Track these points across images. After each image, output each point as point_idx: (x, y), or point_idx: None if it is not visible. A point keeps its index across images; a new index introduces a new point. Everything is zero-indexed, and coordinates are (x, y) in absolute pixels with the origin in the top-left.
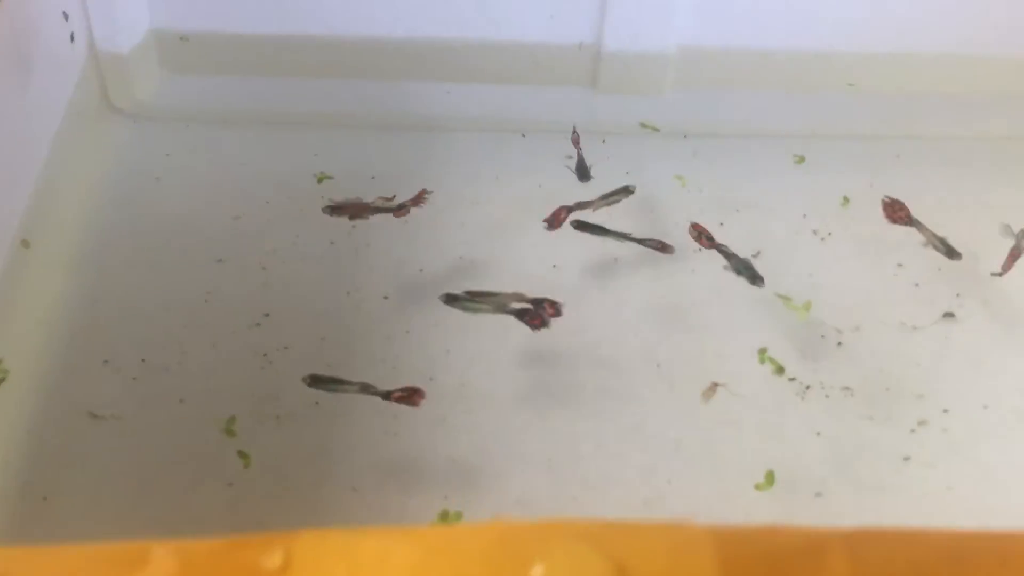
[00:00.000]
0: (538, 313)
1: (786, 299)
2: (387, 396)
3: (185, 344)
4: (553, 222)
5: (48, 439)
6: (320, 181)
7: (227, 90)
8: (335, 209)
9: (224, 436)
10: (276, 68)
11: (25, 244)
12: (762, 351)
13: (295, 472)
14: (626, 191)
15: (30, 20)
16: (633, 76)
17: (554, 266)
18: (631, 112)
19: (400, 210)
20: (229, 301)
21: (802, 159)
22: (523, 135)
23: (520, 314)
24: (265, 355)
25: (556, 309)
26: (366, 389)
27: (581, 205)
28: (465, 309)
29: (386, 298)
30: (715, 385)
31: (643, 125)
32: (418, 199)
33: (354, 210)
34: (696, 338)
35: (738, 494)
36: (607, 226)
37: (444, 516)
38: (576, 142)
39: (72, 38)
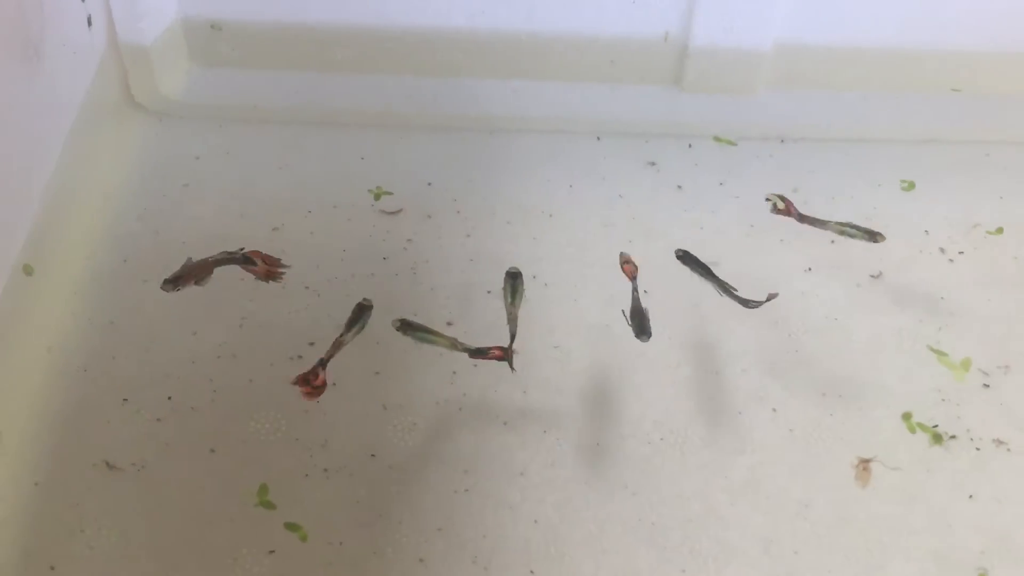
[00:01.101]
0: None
1: (940, 354)
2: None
3: (217, 379)
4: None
5: (56, 494)
6: (377, 198)
7: (263, 85)
8: (176, 281)
9: (263, 494)
10: (319, 61)
11: (28, 270)
12: (906, 415)
13: (349, 537)
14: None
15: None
16: (723, 74)
17: (645, 292)
18: (719, 114)
19: (247, 263)
20: (268, 327)
21: (911, 182)
22: (598, 138)
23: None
24: None
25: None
26: (455, 345)
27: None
28: (417, 339)
29: (449, 324)
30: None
31: (717, 139)
32: (272, 267)
33: (197, 271)
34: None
35: None
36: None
37: None
38: (632, 274)
39: (89, 22)
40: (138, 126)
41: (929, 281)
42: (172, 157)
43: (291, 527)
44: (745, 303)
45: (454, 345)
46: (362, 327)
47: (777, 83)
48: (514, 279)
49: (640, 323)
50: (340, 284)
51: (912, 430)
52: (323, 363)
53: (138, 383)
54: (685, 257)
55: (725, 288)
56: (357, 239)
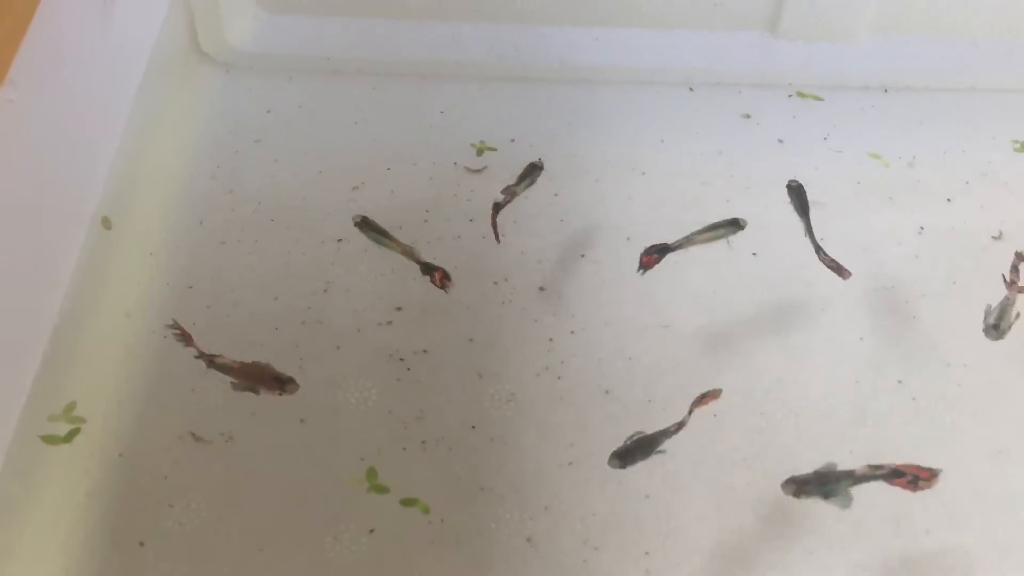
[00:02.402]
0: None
1: None
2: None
3: (302, 346)
4: None
5: (142, 468)
6: (480, 153)
7: (337, 33)
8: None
9: (359, 467)
10: (394, 8)
11: (106, 223)
12: None
13: (452, 514)
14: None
15: None
16: (823, 18)
17: (753, 254)
18: (819, 62)
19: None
20: (353, 291)
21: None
22: (691, 89)
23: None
24: (402, 360)
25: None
26: (409, 253)
27: None
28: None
29: (542, 289)
30: None
31: (800, 94)
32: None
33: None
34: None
35: None
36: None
37: None
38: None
39: None
40: (206, 78)
41: None
42: (243, 111)
43: (405, 502)
44: (825, 257)
45: (408, 253)
46: (531, 183)
47: (880, 27)
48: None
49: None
50: (425, 247)
51: None
52: (498, 208)
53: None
54: (797, 190)
55: (812, 238)
56: (440, 199)
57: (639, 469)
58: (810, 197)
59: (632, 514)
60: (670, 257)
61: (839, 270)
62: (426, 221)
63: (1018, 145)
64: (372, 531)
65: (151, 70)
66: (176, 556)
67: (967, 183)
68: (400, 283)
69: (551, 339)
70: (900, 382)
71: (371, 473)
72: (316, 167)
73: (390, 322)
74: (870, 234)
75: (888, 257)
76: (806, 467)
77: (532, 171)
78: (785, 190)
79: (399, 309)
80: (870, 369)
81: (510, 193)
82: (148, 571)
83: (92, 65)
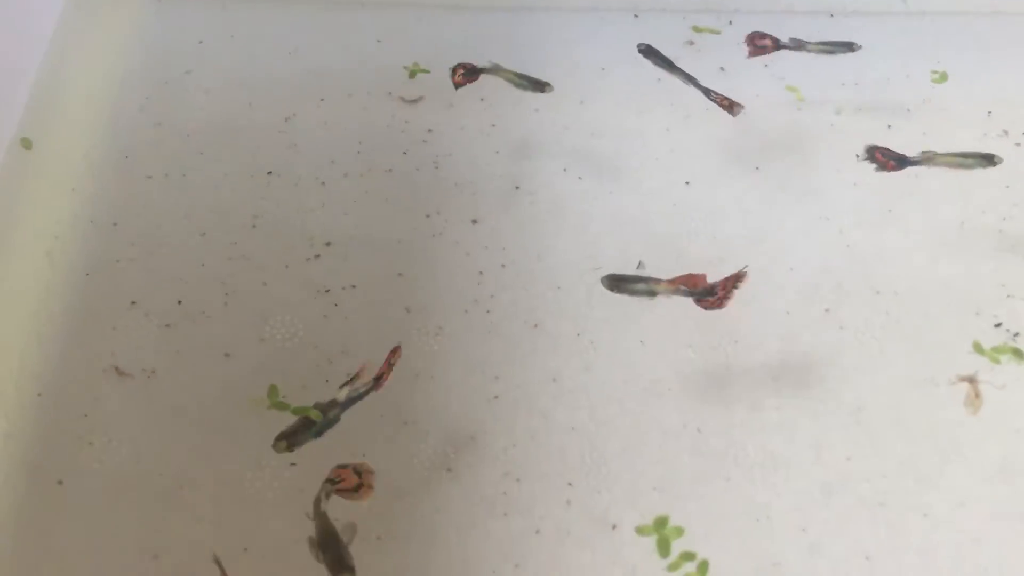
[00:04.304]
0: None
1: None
2: None
3: (229, 282)
4: None
5: (62, 407)
6: (412, 75)
7: None
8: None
9: (274, 395)
10: None
11: (26, 144)
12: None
13: (373, 450)
14: None
15: None
16: None
17: (686, 183)
18: None
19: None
20: (282, 226)
21: None
22: (636, 15)
23: None
24: (328, 292)
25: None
26: None
27: None
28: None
29: (475, 222)
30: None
31: (696, 29)
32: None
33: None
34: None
35: None
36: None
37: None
38: None
39: None
40: (137, 6)
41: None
42: (173, 41)
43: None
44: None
45: None
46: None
47: None
48: None
49: None
50: (356, 179)
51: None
52: None
53: (145, 287)
54: (646, 50)
55: (695, 84)
56: (374, 130)
57: (565, 403)
58: (753, 124)
59: (556, 446)
60: (609, 188)
61: (730, 107)
62: (359, 153)
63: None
64: (293, 464)
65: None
66: (95, 494)
67: (908, 110)
68: (330, 218)
69: (481, 272)
70: (827, 311)
71: (273, 391)
72: (247, 99)
73: (318, 256)
74: (811, 161)
75: (828, 185)
76: (732, 396)
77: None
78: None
79: (328, 244)
80: (800, 299)
81: None
82: (67, 509)
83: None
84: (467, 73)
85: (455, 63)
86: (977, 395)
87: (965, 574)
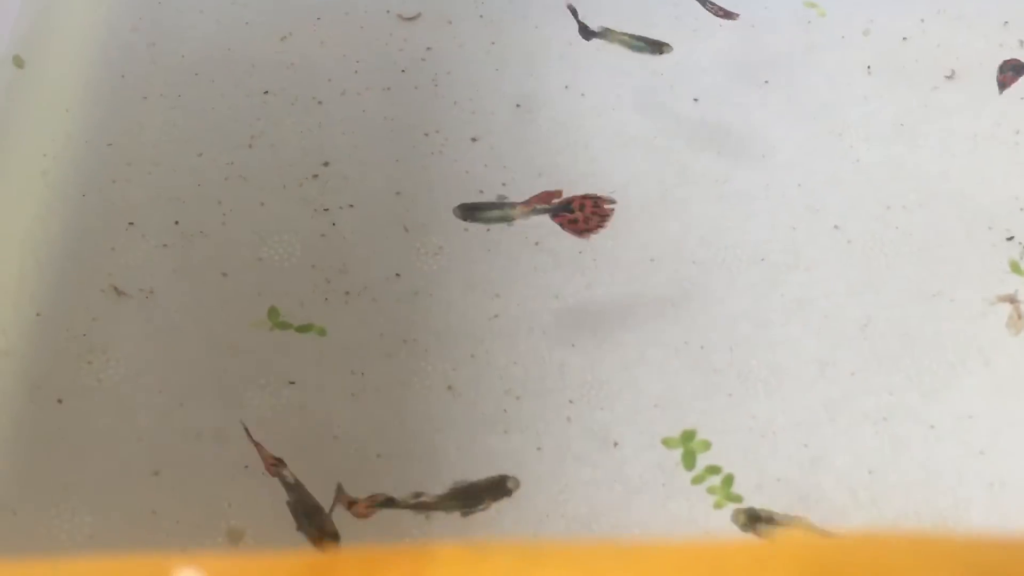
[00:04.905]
0: None
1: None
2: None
3: (226, 202)
4: None
5: (60, 326)
6: None
7: None
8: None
9: (275, 316)
10: None
11: (18, 62)
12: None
13: (373, 366)
14: None
15: None
16: None
17: (695, 100)
18: None
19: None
20: (279, 146)
21: None
22: None
23: None
24: (327, 212)
25: None
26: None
27: None
28: None
29: (474, 140)
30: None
31: None
32: None
33: None
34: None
35: None
36: None
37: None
38: None
39: None
40: None
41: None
42: None
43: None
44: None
45: None
46: None
47: None
48: None
49: None
50: (354, 98)
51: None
52: None
53: (142, 207)
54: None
55: None
56: (372, 49)
57: (566, 321)
58: (759, 52)
59: (557, 362)
60: (612, 104)
61: (727, 15)
62: (356, 72)
63: None
64: (293, 382)
65: None
66: (95, 412)
67: (922, 20)
68: (328, 137)
69: (481, 191)
70: (836, 227)
71: (273, 312)
72: (243, 17)
73: (316, 176)
74: (818, 76)
75: (837, 100)
76: (736, 312)
77: None
78: None
79: (326, 164)
80: (807, 213)
81: None
82: (67, 427)
83: None
84: None
85: None
86: (1020, 315)
87: (968, 485)
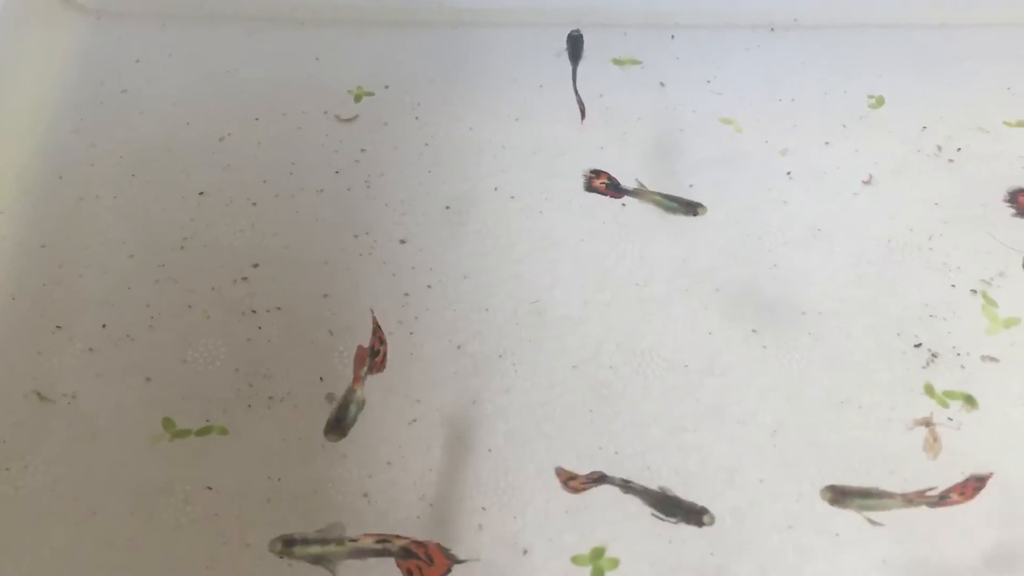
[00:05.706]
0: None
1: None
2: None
3: (155, 304)
4: None
5: None
6: (358, 99)
7: None
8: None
9: (198, 424)
10: None
11: None
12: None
13: (290, 472)
14: None
15: None
16: None
17: (622, 205)
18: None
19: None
20: (211, 247)
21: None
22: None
23: None
24: (254, 313)
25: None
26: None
27: None
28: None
29: (403, 242)
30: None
31: (616, 62)
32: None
33: None
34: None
35: None
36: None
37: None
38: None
39: None
40: (74, 24)
41: (925, 185)
42: (110, 60)
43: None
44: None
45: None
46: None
47: None
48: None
49: None
50: (287, 200)
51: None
52: None
53: (71, 310)
54: (575, 39)
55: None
56: (307, 150)
57: (484, 426)
58: (687, 141)
59: (472, 469)
60: (540, 208)
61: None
62: (291, 174)
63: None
64: (210, 488)
65: (10, 14)
66: (10, 520)
67: (844, 126)
68: (259, 239)
69: (407, 294)
70: (754, 331)
71: (216, 429)
72: (183, 118)
73: (245, 278)
74: (741, 177)
75: (756, 203)
76: (648, 421)
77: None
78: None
79: (256, 266)
80: (725, 319)
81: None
82: None
83: None
84: None
85: (389, 82)
86: (935, 438)
87: None
